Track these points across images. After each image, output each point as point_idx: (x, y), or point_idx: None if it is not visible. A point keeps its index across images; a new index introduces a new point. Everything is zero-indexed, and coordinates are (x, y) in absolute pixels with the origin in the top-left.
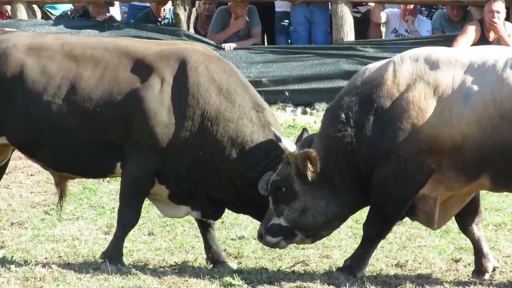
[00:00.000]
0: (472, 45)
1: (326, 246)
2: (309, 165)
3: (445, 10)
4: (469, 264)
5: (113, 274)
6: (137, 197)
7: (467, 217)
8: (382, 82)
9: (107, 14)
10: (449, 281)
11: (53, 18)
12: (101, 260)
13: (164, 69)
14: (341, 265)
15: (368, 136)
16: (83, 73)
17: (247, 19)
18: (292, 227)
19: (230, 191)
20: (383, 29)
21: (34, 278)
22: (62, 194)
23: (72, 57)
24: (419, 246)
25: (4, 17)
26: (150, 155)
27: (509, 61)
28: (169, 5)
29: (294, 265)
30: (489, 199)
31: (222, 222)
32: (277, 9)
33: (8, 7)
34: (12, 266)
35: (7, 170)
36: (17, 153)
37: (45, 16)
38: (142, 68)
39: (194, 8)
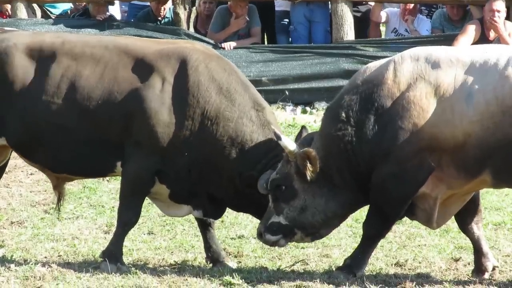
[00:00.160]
0: (472, 44)
1: (325, 245)
2: (308, 164)
3: (445, 9)
4: (468, 263)
5: (112, 273)
6: (138, 197)
7: (467, 216)
8: (383, 81)
9: (107, 13)
10: (448, 280)
11: (53, 17)
12: (101, 259)
13: (165, 68)
14: (341, 264)
15: (368, 135)
16: (83, 72)
17: (247, 18)
18: (292, 226)
19: (231, 190)
20: (382, 28)
21: (34, 277)
22: (60, 197)
23: (72, 56)
24: (419, 245)
25: (4, 16)
26: (150, 155)
27: (510, 59)
28: (169, 4)
29: (293, 264)
30: (489, 198)
31: (222, 221)
32: (277, 8)
33: (8, 6)
34: (12, 265)
35: (6, 169)
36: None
37: (45, 15)
38: (143, 67)
39: (194, 7)
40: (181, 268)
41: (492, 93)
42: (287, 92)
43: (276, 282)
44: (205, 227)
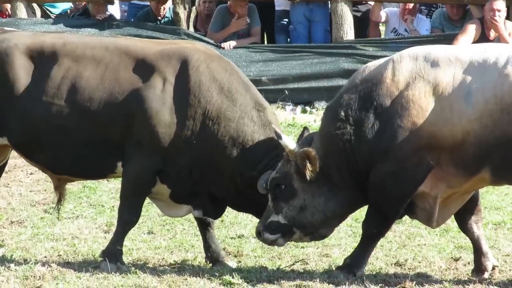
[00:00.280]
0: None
1: (325, 245)
2: (308, 164)
3: (444, 9)
4: (468, 263)
5: (112, 272)
6: (138, 197)
7: (466, 215)
8: (382, 80)
9: (107, 12)
10: (448, 279)
11: (53, 17)
12: (101, 258)
13: (166, 68)
14: (340, 264)
15: (367, 134)
16: (84, 73)
17: (248, 20)
18: (291, 225)
19: (232, 189)
20: (382, 28)
21: (34, 276)
22: (60, 198)
23: (73, 57)
24: (419, 245)
25: (4, 16)
26: (151, 155)
27: (510, 58)
28: (169, 4)
29: (293, 264)
30: (488, 197)
31: (222, 221)
32: (276, 8)
33: (8, 6)
34: (12, 265)
35: (6, 169)
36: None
37: (45, 14)
38: (144, 68)
39: (194, 7)
40: (181, 268)
41: (491, 91)
42: (286, 92)
43: (276, 282)
44: (204, 227)
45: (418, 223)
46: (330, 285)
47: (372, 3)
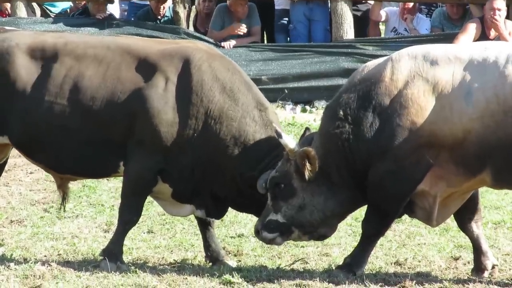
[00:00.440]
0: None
1: (325, 244)
2: (307, 163)
3: (444, 8)
4: (468, 262)
5: (112, 272)
6: (139, 196)
7: (466, 215)
8: (380, 79)
9: (107, 12)
10: (448, 279)
11: (53, 16)
12: (101, 257)
13: (168, 67)
14: (340, 263)
15: (366, 133)
16: (86, 72)
17: (245, 30)
18: (289, 224)
19: (234, 189)
20: (382, 27)
21: (34, 276)
22: (64, 196)
23: (74, 56)
24: (419, 244)
25: (4, 15)
26: (153, 154)
27: (510, 57)
28: (168, 3)
29: (293, 263)
30: (488, 197)
31: (222, 220)
32: (276, 7)
33: (8, 5)
34: (12, 264)
35: (6, 168)
36: (16, 151)
37: (44, 14)
38: (146, 67)
39: (194, 6)
40: (181, 267)
41: (492, 91)
42: (286, 91)
43: (275, 281)
44: (204, 226)
45: (418, 222)
46: (330, 284)
47: (372, 2)
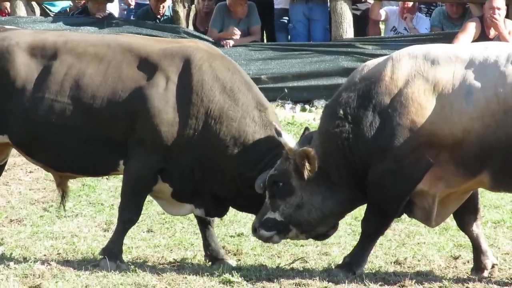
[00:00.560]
0: (472, 42)
1: (325, 243)
2: (306, 163)
3: (444, 7)
4: (468, 261)
5: (112, 271)
6: (139, 195)
7: (466, 214)
8: (380, 78)
9: (106, 11)
10: (448, 278)
11: (52, 15)
12: (101, 256)
13: (169, 67)
14: (340, 262)
15: (366, 132)
16: (86, 71)
17: (238, 36)
18: (287, 222)
19: (233, 189)
20: (381, 26)
21: (33, 275)
22: (64, 195)
23: (75, 55)
24: (418, 243)
25: (3, 14)
26: (153, 153)
27: (510, 57)
28: (168, 2)
29: (293, 262)
30: (488, 196)
31: (221, 219)
32: (276, 6)
33: (8, 4)
34: (11, 263)
35: (6, 167)
36: (16, 150)
37: (44, 13)
38: (146, 66)
39: (193, 5)
40: (180, 266)
41: (492, 90)
42: (286, 90)
43: (275, 280)
44: (204, 225)
45: (417, 221)
46: (330, 283)
47: (371, 1)
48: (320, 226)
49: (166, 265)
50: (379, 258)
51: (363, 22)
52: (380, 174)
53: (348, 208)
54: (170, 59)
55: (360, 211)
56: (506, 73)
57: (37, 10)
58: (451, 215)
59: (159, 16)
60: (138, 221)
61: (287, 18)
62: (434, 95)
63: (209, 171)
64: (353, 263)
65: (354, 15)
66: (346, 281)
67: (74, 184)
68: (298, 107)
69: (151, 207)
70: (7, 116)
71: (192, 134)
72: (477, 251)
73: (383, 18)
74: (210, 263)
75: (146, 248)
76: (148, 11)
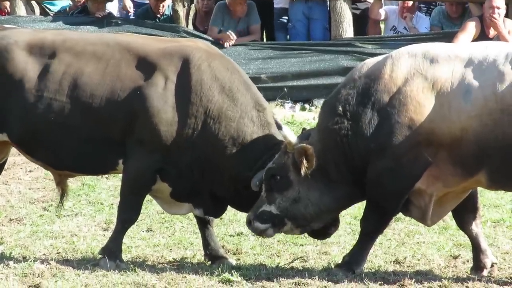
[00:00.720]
0: (472, 42)
1: (324, 243)
2: (304, 160)
3: (444, 7)
4: (467, 261)
5: (111, 270)
6: (138, 194)
7: (465, 213)
8: (380, 76)
9: (106, 10)
10: (447, 277)
11: (52, 14)
12: (100, 256)
13: (168, 66)
14: (339, 262)
15: (365, 130)
16: (85, 69)
17: (233, 41)
18: (283, 216)
19: (232, 189)
20: (381, 26)
21: (33, 274)
22: (63, 193)
23: (74, 53)
24: (418, 243)
25: (3, 14)
26: (152, 153)
27: (509, 56)
28: (168, 2)
29: (292, 262)
30: (487, 195)
31: (221, 218)
32: (275, 6)
33: (7, 3)
34: (11, 262)
35: (5, 166)
36: (16, 149)
37: (44, 12)
38: (145, 65)
39: (193, 5)
40: (180, 265)
41: (490, 89)
42: (286, 89)
43: (274, 279)
44: (204, 225)
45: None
46: (329, 282)
47: (371, 0)
48: (315, 221)
49: (165, 264)
50: (378, 257)
51: (362, 22)
52: (378, 172)
53: (345, 205)
54: (169, 58)
55: (359, 211)
56: (505, 72)
57: (37, 10)
58: (451, 214)
59: (158, 15)
60: (138, 220)
61: (286, 17)
62: (433, 93)
63: (208, 170)
64: (352, 262)
65: (353, 15)
66: (346, 280)
67: (73, 183)
68: (298, 106)
69: (150, 207)
70: (7, 115)
71: (191, 134)
72: (477, 250)
73: (382, 17)
74: (209, 262)
75: (146, 248)
76: (147, 10)
